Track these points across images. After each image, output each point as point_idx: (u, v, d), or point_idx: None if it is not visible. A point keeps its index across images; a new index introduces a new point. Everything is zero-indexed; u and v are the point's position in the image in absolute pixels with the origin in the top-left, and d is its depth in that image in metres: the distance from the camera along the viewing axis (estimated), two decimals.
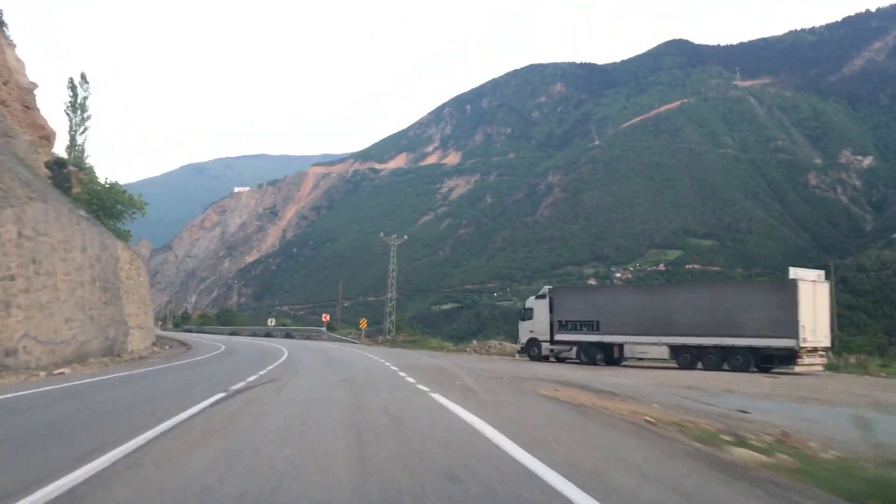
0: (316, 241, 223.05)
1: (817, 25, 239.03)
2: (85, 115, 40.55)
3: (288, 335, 71.49)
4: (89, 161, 38.53)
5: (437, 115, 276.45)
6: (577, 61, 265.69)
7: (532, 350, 32.97)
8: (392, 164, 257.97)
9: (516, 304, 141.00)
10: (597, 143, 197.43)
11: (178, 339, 54.09)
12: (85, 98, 40.52)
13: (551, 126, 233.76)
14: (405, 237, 77.28)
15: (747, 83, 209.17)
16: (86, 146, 40.93)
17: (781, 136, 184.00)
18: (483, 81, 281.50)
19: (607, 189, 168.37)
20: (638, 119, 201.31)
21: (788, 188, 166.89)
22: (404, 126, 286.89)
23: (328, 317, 74.96)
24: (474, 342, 50.68)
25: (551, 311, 32.03)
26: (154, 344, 39.56)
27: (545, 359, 32.27)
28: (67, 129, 40.06)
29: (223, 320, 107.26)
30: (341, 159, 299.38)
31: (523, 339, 33.94)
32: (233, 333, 78.02)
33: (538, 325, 32.54)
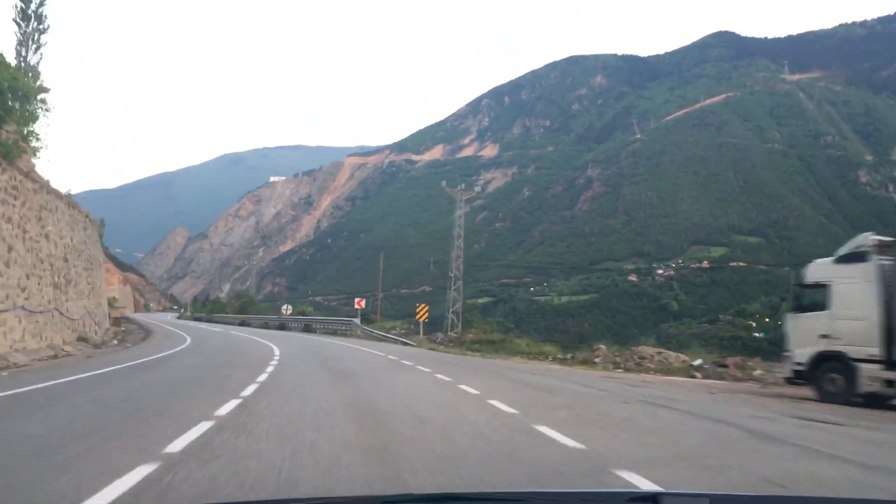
0: (350, 231, 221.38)
1: (869, 18, 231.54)
2: (40, 27, 30.99)
3: (308, 328, 53.74)
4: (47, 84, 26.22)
5: (474, 107, 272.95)
6: (619, 53, 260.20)
7: (827, 377, 15.13)
8: (428, 156, 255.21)
9: (554, 300, 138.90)
10: (638, 136, 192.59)
11: (145, 329, 44.14)
12: (41, 4, 30.76)
13: (591, 119, 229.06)
14: (477, 189, 62.78)
15: (796, 77, 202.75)
16: (40, 68, 30.32)
17: (831, 131, 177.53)
18: (522, 73, 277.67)
19: (649, 184, 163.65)
20: (682, 112, 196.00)
21: (838, 185, 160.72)
22: (441, 117, 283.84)
23: (363, 302, 51.50)
24: (602, 348, 30.40)
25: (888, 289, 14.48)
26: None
27: (863, 400, 14.61)
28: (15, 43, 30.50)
29: (238, 307, 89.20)
30: (378, 150, 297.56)
31: (800, 349, 15.79)
32: (242, 323, 64.36)
33: (845, 322, 15.00)
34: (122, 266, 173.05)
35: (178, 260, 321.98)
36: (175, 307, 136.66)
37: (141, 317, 79.82)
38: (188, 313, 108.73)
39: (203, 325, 59.67)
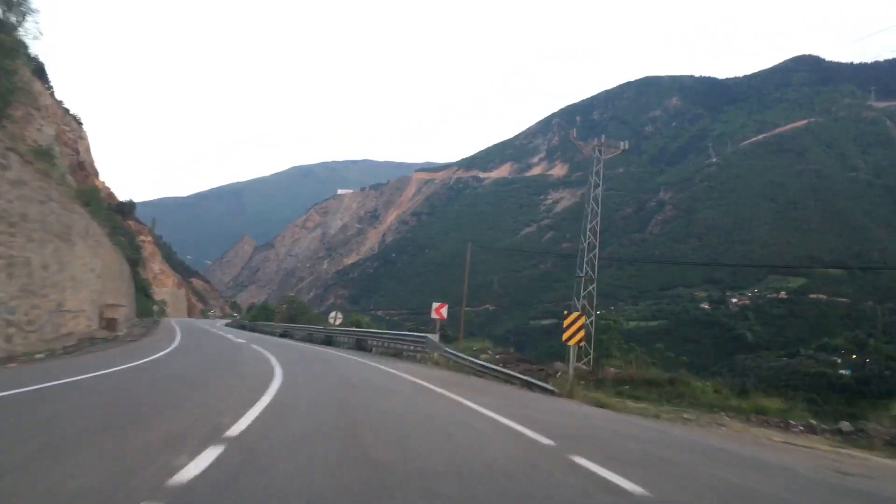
0: (415, 246, 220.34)
1: None
2: None
3: (360, 345, 36.74)
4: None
5: (544, 126, 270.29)
6: (696, 74, 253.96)
7: None
8: (496, 174, 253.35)
9: (627, 324, 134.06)
10: (714, 160, 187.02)
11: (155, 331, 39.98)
12: None
13: (665, 141, 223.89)
14: (621, 146, 36.55)
15: (883, 104, 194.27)
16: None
17: None
18: (595, 92, 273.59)
19: (724, 209, 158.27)
20: (760, 137, 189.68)
21: None
22: (510, 135, 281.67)
23: (443, 310, 31.19)
24: None
25: None
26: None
27: None
28: None
29: (287, 314, 73.84)
30: (445, 167, 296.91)
31: None
32: (284, 334, 52.61)
33: None
34: (188, 272, 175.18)
35: (244, 268, 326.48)
36: (235, 314, 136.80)
37: (183, 322, 76.79)
38: (237, 316, 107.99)
39: (229, 335, 46.03)
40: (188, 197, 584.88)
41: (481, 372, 22.10)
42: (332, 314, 46.24)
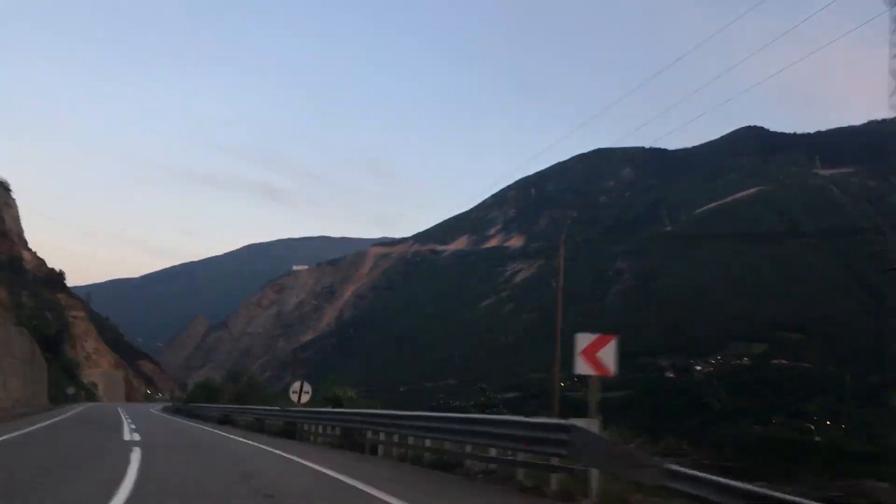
0: (373, 322, 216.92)
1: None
2: None
3: (361, 444, 19.12)
4: None
5: (500, 198, 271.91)
6: (646, 146, 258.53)
7: None
8: (454, 246, 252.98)
9: (586, 395, 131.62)
10: (668, 228, 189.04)
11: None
12: None
13: (620, 211, 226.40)
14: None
15: (829, 171, 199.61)
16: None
17: (868, 226, 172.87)
18: (549, 164, 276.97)
19: (682, 277, 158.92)
20: (714, 205, 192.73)
21: (880, 281, 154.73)
22: (466, 208, 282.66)
23: (607, 350, 11.28)
24: None
25: None
26: None
27: None
28: None
29: (234, 393, 57.08)
30: (402, 240, 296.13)
31: None
32: (224, 420, 39.62)
33: None
34: (136, 354, 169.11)
35: (197, 349, 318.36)
36: (184, 397, 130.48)
37: (102, 407, 61.69)
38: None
39: (129, 424, 28.79)
40: (139, 279, 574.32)
41: None
42: (295, 386, 29.82)
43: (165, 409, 65.13)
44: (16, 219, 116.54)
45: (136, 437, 18.87)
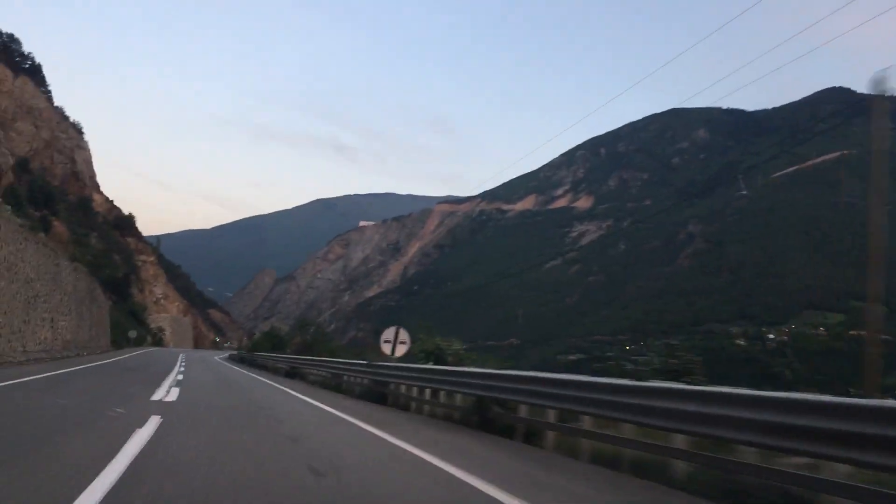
0: (437, 279, 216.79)
1: None
2: None
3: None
4: None
5: (569, 158, 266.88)
6: (724, 107, 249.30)
7: None
8: (520, 206, 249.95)
9: (654, 360, 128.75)
10: (744, 192, 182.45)
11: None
12: None
13: (693, 173, 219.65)
14: None
15: None
16: None
17: None
18: (620, 124, 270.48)
19: (756, 242, 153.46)
20: (792, 169, 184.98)
21: None
22: (535, 167, 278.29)
23: None
24: None
25: None
26: None
27: None
28: None
29: (301, 344, 51.54)
30: (468, 199, 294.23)
31: None
32: (292, 372, 33.77)
33: None
34: (207, 302, 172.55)
35: (265, 300, 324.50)
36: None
37: (169, 352, 61.11)
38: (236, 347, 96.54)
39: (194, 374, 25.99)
40: (211, 230, 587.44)
41: None
42: (388, 333, 21.12)
43: (231, 358, 62.33)
44: (88, 161, 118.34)
45: (172, 396, 13.84)
